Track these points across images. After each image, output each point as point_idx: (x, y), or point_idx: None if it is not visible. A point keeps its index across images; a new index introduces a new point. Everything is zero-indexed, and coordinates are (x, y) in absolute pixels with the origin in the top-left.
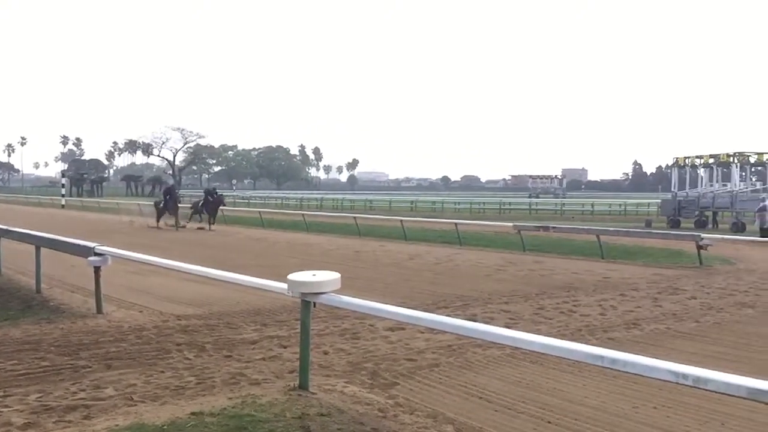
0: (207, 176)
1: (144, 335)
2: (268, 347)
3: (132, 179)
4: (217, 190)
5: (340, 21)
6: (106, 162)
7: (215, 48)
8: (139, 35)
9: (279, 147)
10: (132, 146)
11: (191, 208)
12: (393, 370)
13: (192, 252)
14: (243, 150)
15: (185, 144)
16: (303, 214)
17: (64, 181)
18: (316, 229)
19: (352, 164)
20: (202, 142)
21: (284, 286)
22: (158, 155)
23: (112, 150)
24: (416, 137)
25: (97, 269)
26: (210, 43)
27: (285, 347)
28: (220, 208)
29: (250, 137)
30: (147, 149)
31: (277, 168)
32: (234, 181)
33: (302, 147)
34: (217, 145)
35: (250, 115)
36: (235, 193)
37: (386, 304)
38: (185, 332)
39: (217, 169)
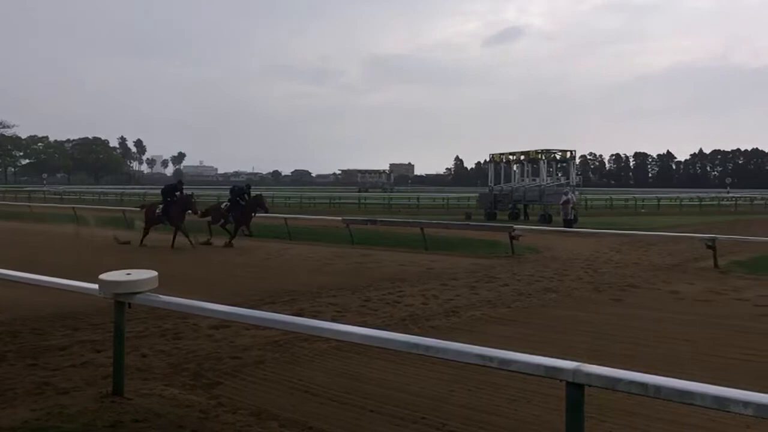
0: (13, 170)
1: None
2: (80, 353)
3: None
4: (251, 188)
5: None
6: None
7: (18, 27)
8: None
9: (96, 139)
10: None
11: (205, 215)
12: (217, 369)
13: None
14: (55, 142)
15: None
16: (123, 210)
17: None
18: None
19: (178, 158)
20: (8, 132)
21: (95, 286)
22: None
23: None
24: (245, 131)
25: None
26: (21, 21)
27: (99, 352)
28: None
29: (65, 128)
30: None
31: (95, 161)
32: (44, 175)
33: (123, 139)
34: (24, 137)
35: (65, 105)
36: (45, 188)
37: (210, 301)
38: None
39: (25, 162)
